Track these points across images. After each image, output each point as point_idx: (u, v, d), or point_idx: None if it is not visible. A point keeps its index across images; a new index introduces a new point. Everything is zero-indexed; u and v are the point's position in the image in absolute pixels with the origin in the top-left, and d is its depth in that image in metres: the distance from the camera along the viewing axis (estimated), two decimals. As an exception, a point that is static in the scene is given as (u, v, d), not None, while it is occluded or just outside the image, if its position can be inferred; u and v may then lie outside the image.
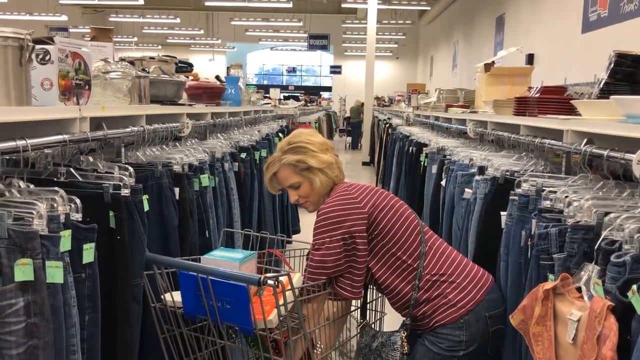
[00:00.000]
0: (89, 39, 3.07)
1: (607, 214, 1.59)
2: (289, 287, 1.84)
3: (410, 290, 2.11)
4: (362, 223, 2.10)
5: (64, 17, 16.95)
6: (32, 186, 1.68)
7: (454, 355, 2.06)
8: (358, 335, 2.29)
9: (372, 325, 2.37)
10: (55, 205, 1.59)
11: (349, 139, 20.16)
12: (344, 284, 2.10)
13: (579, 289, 1.55)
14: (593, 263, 1.52)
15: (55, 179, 1.90)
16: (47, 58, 1.79)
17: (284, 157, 2.22)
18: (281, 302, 1.83)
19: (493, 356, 2.14)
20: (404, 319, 2.14)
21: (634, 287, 1.27)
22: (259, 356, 2.09)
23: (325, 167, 2.21)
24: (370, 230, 2.12)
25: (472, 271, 2.15)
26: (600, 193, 1.86)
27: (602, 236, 1.52)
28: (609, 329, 1.31)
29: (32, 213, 1.49)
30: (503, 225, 2.22)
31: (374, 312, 2.40)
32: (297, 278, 2.14)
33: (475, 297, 2.08)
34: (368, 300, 2.37)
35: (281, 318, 1.86)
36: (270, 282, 1.73)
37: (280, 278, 1.77)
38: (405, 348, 2.07)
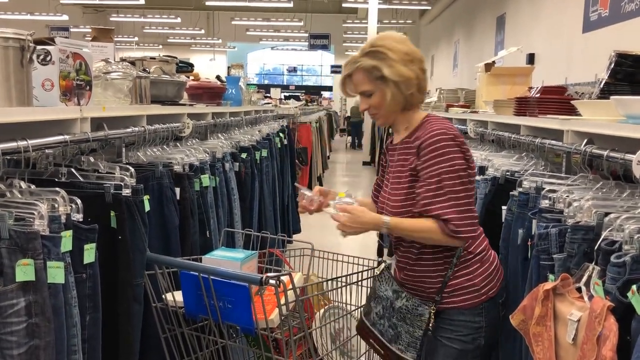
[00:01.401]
0: (90, 39, 3.09)
1: (607, 214, 1.59)
2: (291, 286, 1.85)
3: (444, 258, 2.00)
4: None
5: (65, 17, 16.95)
6: (33, 187, 1.68)
7: (478, 346, 1.98)
8: (377, 279, 2.13)
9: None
10: (56, 205, 1.60)
11: (350, 138, 20.18)
12: (463, 224, 1.91)
13: (579, 290, 1.55)
14: (593, 263, 1.52)
15: (56, 180, 1.91)
16: (48, 59, 1.79)
17: (360, 60, 2.00)
18: (283, 301, 1.83)
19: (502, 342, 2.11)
20: (435, 296, 1.99)
21: (634, 287, 1.27)
22: (260, 355, 2.10)
23: (402, 81, 1.97)
24: None
25: (496, 259, 2.08)
26: (600, 193, 1.86)
27: (602, 236, 1.52)
28: (609, 329, 1.32)
29: (33, 213, 1.50)
30: (503, 220, 2.22)
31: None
32: (298, 277, 2.14)
33: (497, 285, 2.03)
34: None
35: (282, 317, 1.86)
36: (272, 281, 1.74)
37: (282, 277, 1.78)
38: (431, 323, 1.96)
